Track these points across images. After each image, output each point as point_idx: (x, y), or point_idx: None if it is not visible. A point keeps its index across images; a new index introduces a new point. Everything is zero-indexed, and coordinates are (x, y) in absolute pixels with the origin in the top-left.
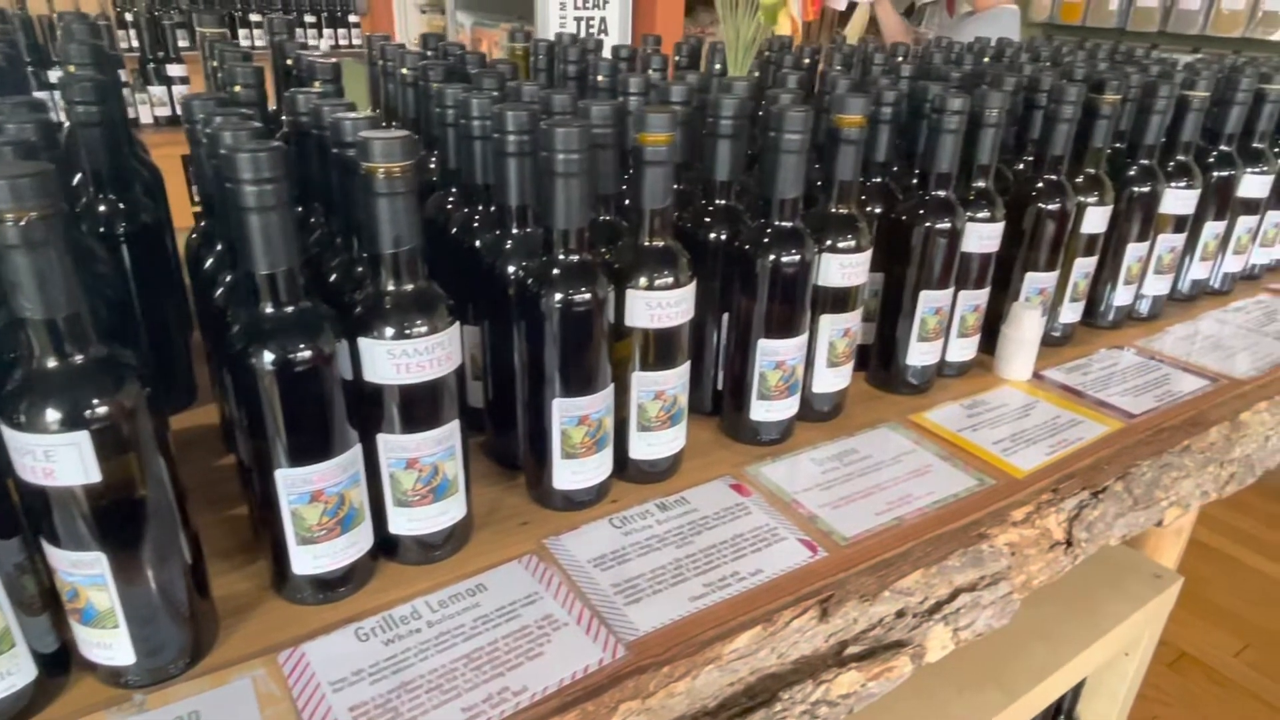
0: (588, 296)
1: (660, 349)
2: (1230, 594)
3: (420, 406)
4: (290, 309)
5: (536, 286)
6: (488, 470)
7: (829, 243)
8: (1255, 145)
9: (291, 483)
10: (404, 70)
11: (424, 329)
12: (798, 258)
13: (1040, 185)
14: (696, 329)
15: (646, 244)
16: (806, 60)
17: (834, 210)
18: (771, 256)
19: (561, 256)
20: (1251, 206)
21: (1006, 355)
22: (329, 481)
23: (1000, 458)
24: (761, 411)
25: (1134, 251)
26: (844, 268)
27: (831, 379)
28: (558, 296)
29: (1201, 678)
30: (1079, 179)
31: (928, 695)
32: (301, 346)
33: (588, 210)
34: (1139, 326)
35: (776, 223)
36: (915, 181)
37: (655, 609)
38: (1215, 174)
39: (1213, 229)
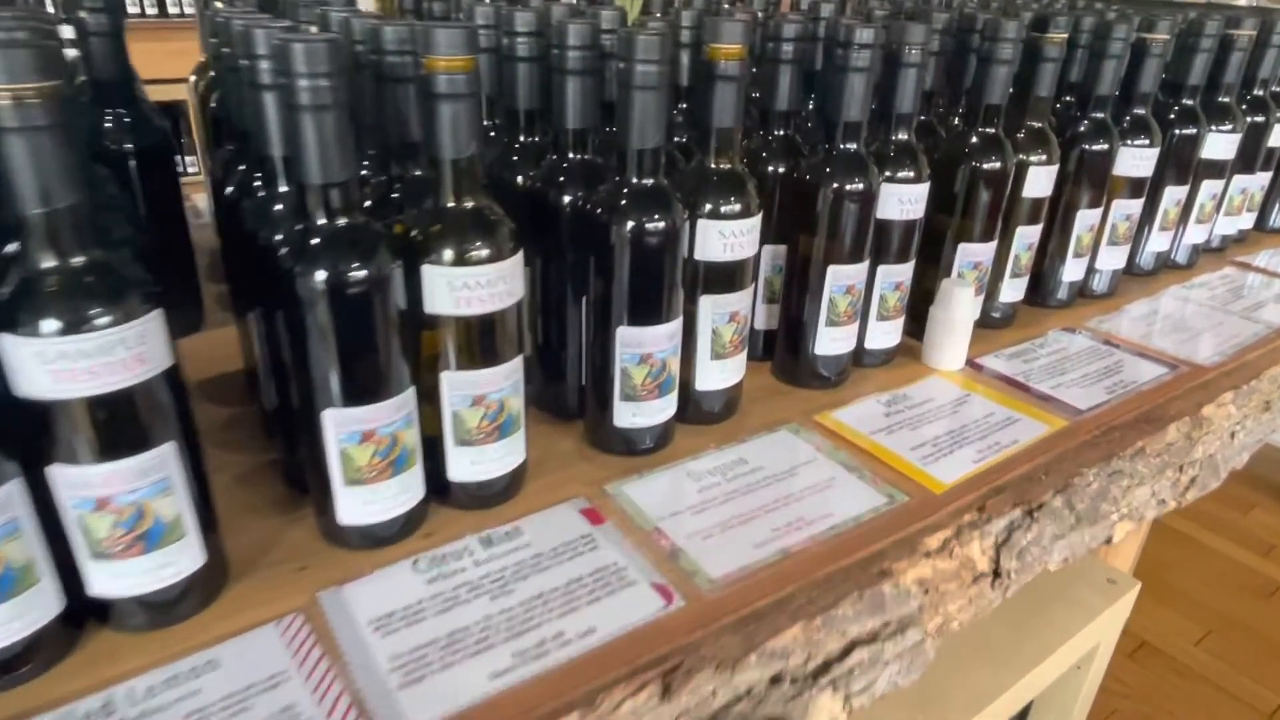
0: (662, 225)
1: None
2: (1191, 579)
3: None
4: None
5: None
6: None
7: (706, 207)
8: (1221, 100)
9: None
10: None
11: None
12: (660, 225)
13: (974, 140)
14: (555, 312)
15: (714, 167)
16: None
17: (713, 166)
18: (629, 224)
19: (635, 180)
20: (1216, 169)
21: (935, 341)
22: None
23: (918, 467)
24: (627, 415)
25: (1085, 219)
26: (726, 237)
27: (717, 374)
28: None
29: (1162, 667)
30: (1020, 134)
31: None
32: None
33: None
34: (1092, 305)
35: (634, 181)
36: (823, 134)
37: (439, 692)
38: (1177, 131)
39: (1174, 194)
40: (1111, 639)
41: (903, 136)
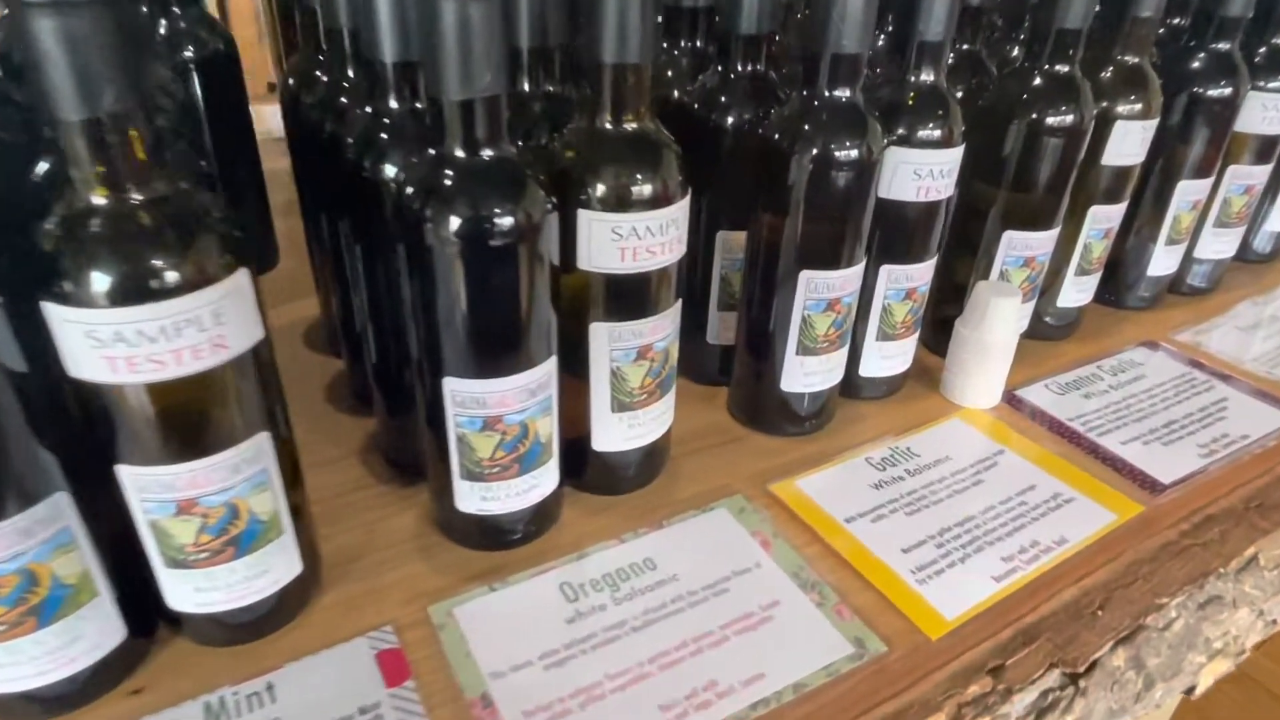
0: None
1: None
2: None
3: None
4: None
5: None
6: None
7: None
8: None
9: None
10: None
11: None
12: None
13: (1037, 82)
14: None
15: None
16: None
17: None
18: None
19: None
20: None
21: (961, 369)
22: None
23: (910, 587)
24: (475, 499)
25: (1187, 193)
26: (624, 238)
27: (620, 429)
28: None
29: None
30: (1108, 73)
31: None
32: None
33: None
34: (1183, 306)
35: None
36: (802, 73)
37: None
38: None
39: None
40: None
41: (928, 77)
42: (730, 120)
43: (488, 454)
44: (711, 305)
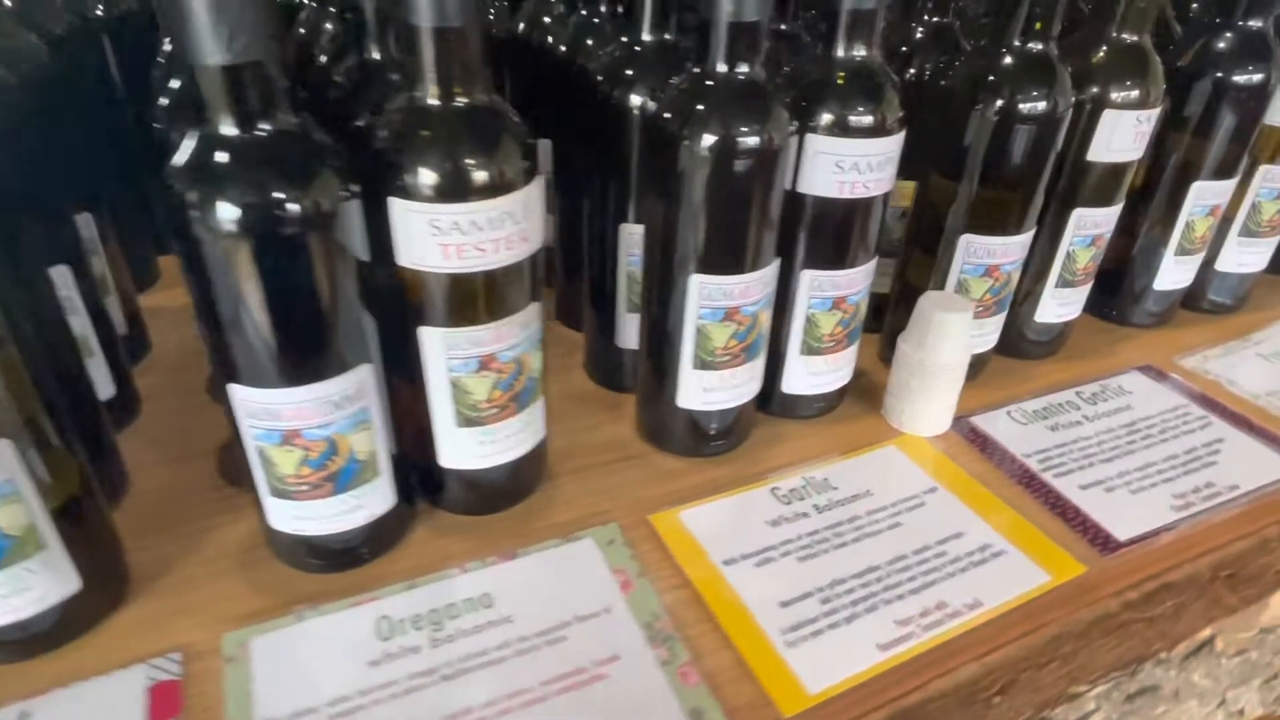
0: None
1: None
2: None
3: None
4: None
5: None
6: None
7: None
8: None
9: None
10: None
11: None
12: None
13: (1005, 62)
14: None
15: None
16: None
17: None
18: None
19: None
20: None
21: (903, 390)
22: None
23: (777, 652)
24: (288, 519)
25: (1203, 196)
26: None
27: (470, 444)
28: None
29: None
30: (1101, 53)
31: None
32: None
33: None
34: (1200, 326)
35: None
36: (696, 43)
37: None
38: None
39: None
40: None
41: (858, 53)
42: (634, 96)
43: (291, 470)
44: (619, 306)
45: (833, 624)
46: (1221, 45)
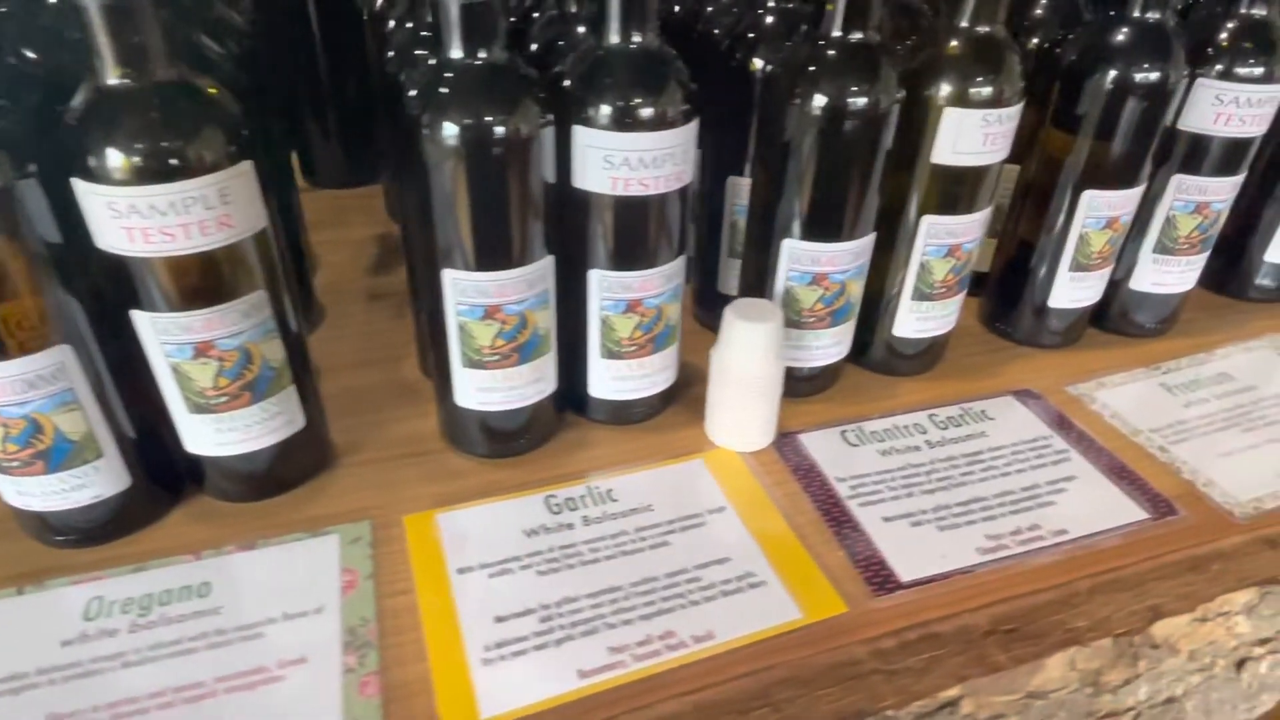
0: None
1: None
2: None
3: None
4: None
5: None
6: None
7: None
8: None
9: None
10: None
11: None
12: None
13: (830, 53)
14: None
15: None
16: None
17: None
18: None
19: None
20: None
21: (715, 401)
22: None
23: (467, 668)
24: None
25: (1095, 207)
26: None
27: (210, 433)
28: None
29: None
30: (951, 46)
31: None
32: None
33: None
34: (1115, 348)
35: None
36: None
37: None
38: None
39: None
40: None
41: (638, 38)
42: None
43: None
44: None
45: (540, 645)
46: (1118, 39)
